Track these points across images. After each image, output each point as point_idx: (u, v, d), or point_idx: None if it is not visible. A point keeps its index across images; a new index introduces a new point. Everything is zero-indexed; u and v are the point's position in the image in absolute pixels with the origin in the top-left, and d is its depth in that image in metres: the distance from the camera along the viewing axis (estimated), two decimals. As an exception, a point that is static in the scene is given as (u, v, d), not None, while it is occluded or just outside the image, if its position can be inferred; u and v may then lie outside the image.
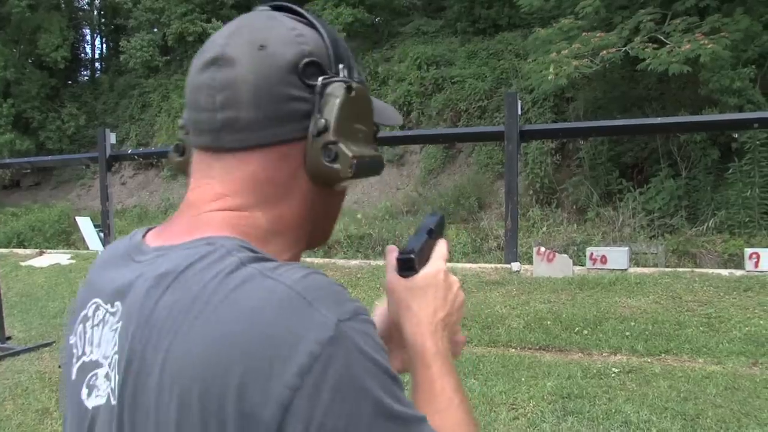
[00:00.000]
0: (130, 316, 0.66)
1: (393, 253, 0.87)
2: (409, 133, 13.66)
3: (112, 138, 13.26)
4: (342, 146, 0.71)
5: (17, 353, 5.87)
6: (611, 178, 11.82)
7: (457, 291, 0.87)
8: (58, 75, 22.01)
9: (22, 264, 10.01)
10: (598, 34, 10.36)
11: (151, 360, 0.62)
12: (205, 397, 0.59)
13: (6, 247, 12.37)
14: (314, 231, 0.78)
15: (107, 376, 0.68)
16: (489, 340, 5.77)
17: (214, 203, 0.72)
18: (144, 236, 0.76)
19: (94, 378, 0.70)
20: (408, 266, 0.86)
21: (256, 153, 0.71)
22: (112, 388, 0.67)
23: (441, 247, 0.91)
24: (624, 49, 10.15)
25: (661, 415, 4.02)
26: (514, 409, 4.28)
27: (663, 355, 5.09)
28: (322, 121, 0.70)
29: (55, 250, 11.34)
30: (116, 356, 0.67)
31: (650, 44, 9.98)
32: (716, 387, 4.39)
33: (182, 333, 0.61)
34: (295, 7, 0.76)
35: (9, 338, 6.38)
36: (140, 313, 0.65)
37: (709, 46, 9.17)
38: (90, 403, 0.70)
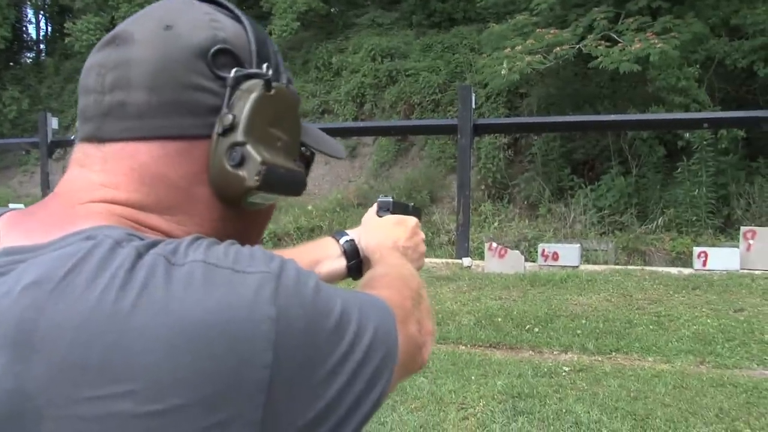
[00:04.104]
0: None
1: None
2: (362, 124, 13.54)
3: (54, 123, 12.78)
4: (250, 149, 0.57)
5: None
6: (563, 175, 11.85)
7: (420, 241, 0.99)
8: (-1, 56, 21.13)
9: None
10: (551, 31, 10.36)
11: (58, 398, 0.44)
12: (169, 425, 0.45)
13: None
14: None
15: None
16: (439, 337, 5.67)
17: (93, 193, 0.57)
18: None
19: None
20: (385, 207, 1.03)
21: (148, 144, 0.57)
22: None
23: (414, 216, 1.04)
24: (577, 46, 10.17)
25: (611, 415, 3.97)
26: (463, 408, 4.18)
27: (613, 353, 5.07)
28: (230, 116, 0.58)
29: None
30: None
31: (603, 42, 10.04)
32: (665, 386, 4.38)
33: (94, 358, 0.45)
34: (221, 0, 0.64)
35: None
36: (16, 342, 0.46)
37: (659, 45, 9.26)
38: None
